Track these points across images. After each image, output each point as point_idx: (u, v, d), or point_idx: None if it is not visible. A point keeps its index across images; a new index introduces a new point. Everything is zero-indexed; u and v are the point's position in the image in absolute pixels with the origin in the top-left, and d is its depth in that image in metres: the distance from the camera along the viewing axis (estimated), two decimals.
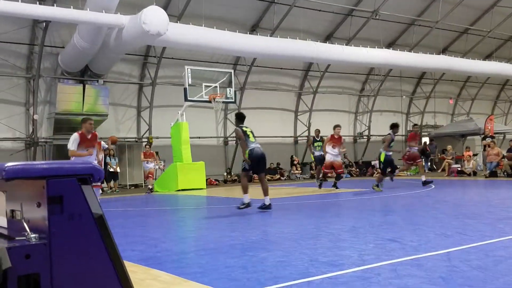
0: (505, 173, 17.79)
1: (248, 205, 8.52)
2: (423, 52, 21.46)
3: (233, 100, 18.91)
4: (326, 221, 7.50)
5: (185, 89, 16.87)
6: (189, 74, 16.81)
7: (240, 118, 9.30)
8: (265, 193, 8.59)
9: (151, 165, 16.24)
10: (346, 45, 20.26)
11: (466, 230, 6.00)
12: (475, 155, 21.66)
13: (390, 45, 22.65)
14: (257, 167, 8.81)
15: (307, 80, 23.29)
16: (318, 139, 14.78)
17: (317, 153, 14.50)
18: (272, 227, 6.81)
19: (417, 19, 22.11)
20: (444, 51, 23.83)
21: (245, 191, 8.59)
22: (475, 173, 19.51)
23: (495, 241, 5.12)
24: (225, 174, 21.42)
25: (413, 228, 6.46)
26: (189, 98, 16.99)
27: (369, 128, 25.53)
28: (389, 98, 25.78)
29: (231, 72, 18.51)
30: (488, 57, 25.44)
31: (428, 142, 25.94)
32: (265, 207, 8.53)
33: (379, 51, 20.10)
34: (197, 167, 17.20)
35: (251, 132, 8.83)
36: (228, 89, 18.12)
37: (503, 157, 18.43)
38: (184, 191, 16.03)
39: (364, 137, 25.54)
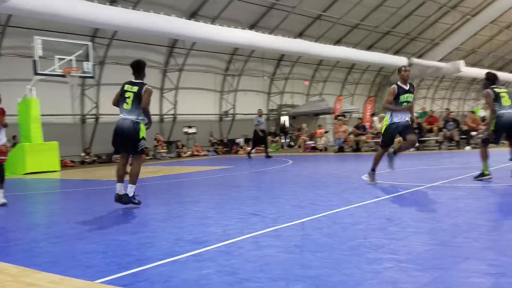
0: (351, 148, 19.68)
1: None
2: (282, 35, 22.44)
3: (91, 75, 17.74)
4: (193, 200, 7.55)
5: (34, 62, 15.34)
6: (40, 45, 15.32)
7: None
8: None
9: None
10: (211, 23, 20.29)
11: (317, 201, 6.52)
12: (326, 132, 23.50)
13: (253, 26, 23.24)
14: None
15: (173, 57, 22.90)
16: None
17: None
18: (136, 209, 6.65)
19: (276, 3, 22.92)
20: (300, 35, 25.22)
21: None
22: (326, 149, 21.26)
23: (342, 209, 5.66)
24: (83, 154, 20.22)
25: (273, 201, 6.82)
26: (39, 72, 15.50)
27: (234, 107, 26.11)
28: (252, 78, 26.59)
29: (88, 45, 17.30)
30: (337, 42, 27.52)
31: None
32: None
33: (242, 32, 20.52)
34: (49, 147, 15.83)
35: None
36: (85, 63, 16.94)
37: (350, 133, 20.36)
38: (34, 174, 14.66)
39: (230, 115, 26.08)
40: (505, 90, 8.01)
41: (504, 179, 7.68)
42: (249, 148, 19.40)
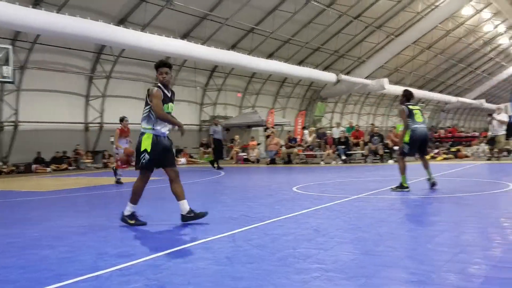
0: (283, 161, 20.04)
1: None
2: (215, 46, 22.50)
3: (11, 80, 16.81)
4: (119, 212, 7.31)
5: None
6: None
7: None
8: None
9: None
10: (141, 31, 19.94)
11: (249, 212, 6.56)
12: (258, 144, 23.78)
13: (185, 36, 23.12)
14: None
15: (100, 63, 22.21)
16: None
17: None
18: (57, 222, 6.33)
19: (209, 14, 22.98)
20: (233, 47, 25.43)
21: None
22: (258, 161, 21.49)
23: (273, 220, 5.74)
24: (0, 164, 19.01)
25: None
26: None
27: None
28: (184, 88, 26.33)
29: (8, 49, 16.38)
30: (270, 56, 28.04)
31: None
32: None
33: (174, 41, 20.34)
34: None
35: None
36: (4, 67, 16.02)
37: (281, 146, 20.76)
38: None
39: None
40: (418, 108, 8.71)
41: (422, 191, 8.16)
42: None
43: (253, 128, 27.76)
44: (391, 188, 8.32)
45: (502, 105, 19.60)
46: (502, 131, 16.34)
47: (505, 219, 5.46)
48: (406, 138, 8.38)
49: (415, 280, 3.23)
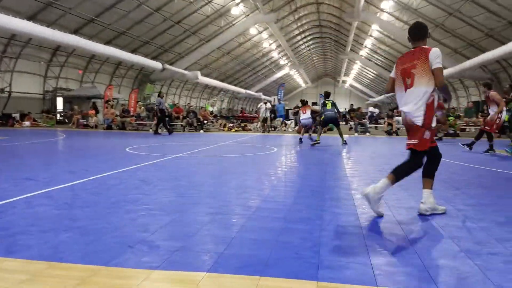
0: (118, 127, 18.63)
1: None
2: (59, 30, 19.22)
3: None
4: None
5: None
6: None
7: None
8: None
9: None
10: None
11: (88, 167, 5.95)
12: (97, 112, 21.57)
13: (32, 18, 19.14)
14: None
15: None
16: None
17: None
18: None
19: (54, 2, 19.49)
20: (75, 32, 22.16)
21: None
22: (96, 127, 19.56)
23: (108, 174, 5.32)
24: None
25: (47, 168, 5.89)
26: None
27: (10, 86, 21.25)
28: (30, 62, 22.12)
29: None
30: (108, 43, 25.34)
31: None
32: None
33: (21, 21, 16.57)
34: None
35: None
36: None
37: (117, 115, 19.30)
38: None
39: (6, 92, 21.15)
40: (331, 101, 10.67)
41: (233, 152, 8.57)
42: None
43: (93, 100, 24.96)
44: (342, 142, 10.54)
45: (270, 98, 21.88)
46: (267, 114, 18.68)
47: (271, 170, 6.14)
48: (322, 118, 10.82)
49: (213, 212, 3.41)
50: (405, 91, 3.29)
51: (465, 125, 19.10)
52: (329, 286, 1.98)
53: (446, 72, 28.39)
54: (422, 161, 3.31)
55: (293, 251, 2.44)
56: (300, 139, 11.93)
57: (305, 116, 12.33)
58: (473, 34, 25.32)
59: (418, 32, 3.32)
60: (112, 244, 2.54)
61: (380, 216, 3.28)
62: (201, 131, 18.13)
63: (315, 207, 3.61)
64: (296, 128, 11.44)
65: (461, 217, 3.30)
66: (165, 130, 16.19)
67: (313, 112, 13.71)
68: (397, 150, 9.71)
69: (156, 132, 15.81)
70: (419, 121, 3.20)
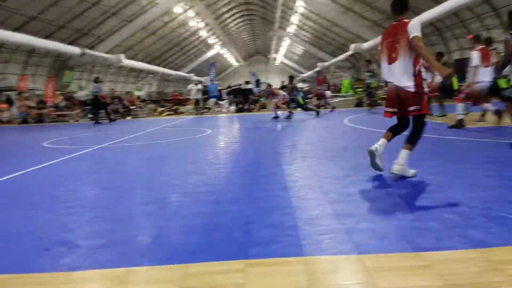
0: (34, 120, 17.03)
1: None
2: None
3: None
4: None
5: None
6: None
7: None
8: None
9: None
10: None
11: (3, 165, 5.34)
12: (11, 105, 19.37)
13: None
14: None
15: None
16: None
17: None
18: None
19: None
20: None
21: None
22: (10, 121, 17.66)
23: (24, 172, 4.81)
24: None
25: None
26: None
27: None
28: None
29: None
30: (17, 29, 22.55)
31: None
32: None
33: None
34: None
35: None
36: None
37: (32, 107, 17.59)
38: None
39: None
40: (302, 86, 11.13)
41: (167, 141, 8.22)
42: None
43: (6, 93, 22.27)
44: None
45: (202, 78, 21.39)
46: (199, 96, 18.22)
47: (204, 153, 6.05)
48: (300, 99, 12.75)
49: (141, 202, 3.26)
50: (390, 63, 3.50)
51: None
52: (257, 262, 2.02)
53: (366, 45, 30.17)
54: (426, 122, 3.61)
55: (223, 233, 2.44)
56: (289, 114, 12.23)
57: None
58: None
59: (400, 6, 3.50)
60: (27, 249, 2.31)
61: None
62: (128, 117, 17.24)
63: (248, 186, 3.64)
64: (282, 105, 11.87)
65: (380, 181, 3.56)
66: (106, 119, 15.41)
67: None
68: (325, 123, 10.18)
69: (97, 122, 14.88)
70: (411, 88, 3.40)
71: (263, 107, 18.14)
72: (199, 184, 3.83)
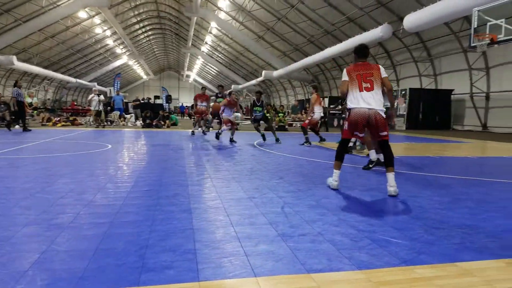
0: None
1: None
2: None
3: None
4: None
5: None
6: None
7: None
8: None
9: None
10: None
11: None
12: None
13: None
14: None
15: None
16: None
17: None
18: None
19: None
20: None
21: None
22: None
23: None
24: None
25: None
26: None
27: None
28: None
29: None
30: None
31: None
32: None
33: None
34: None
35: None
36: None
37: None
38: None
39: None
40: (261, 104, 11.01)
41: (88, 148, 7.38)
42: None
43: None
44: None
45: (106, 89, 20.01)
46: (101, 107, 17.09)
47: (100, 170, 5.62)
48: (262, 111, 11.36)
49: (20, 224, 2.89)
50: (361, 91, 4.18)
51: (292, 121, 21.86)
52: None
53: (276, 73, 32.01)
54: None
55: (114, 258, 2.30)
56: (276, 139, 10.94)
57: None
58: (298, 39, 29.33)
59: (367, 51, 4.41)
60: None
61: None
62: (17, 126, 15.22)
63: (147, 207, 3.50)
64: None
65: (281, 203, 3.76)
66: (21, 125, 13.67)
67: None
68: (234, 144, 10.41)
69: (25, 129, 13.20)
70: (383, 114, 4.17)
71: (174, 124, 17.75)
72: (91, 205, 3.56)
